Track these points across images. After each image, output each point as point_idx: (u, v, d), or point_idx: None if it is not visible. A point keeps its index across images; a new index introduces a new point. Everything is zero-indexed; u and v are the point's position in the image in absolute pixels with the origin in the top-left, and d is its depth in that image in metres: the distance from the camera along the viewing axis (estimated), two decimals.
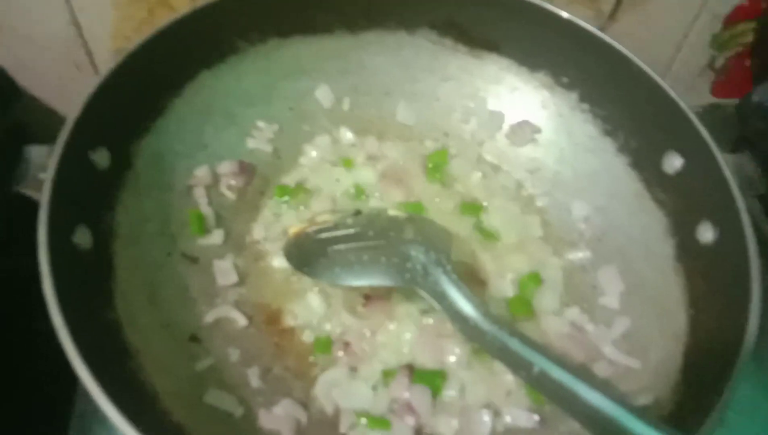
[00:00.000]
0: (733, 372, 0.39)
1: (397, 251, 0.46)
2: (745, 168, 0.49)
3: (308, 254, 0.49)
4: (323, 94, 0.62)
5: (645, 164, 0.55)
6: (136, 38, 0.51)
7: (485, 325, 0.42)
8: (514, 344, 0.40)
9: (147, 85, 0.52)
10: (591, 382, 0.36)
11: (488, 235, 0.57)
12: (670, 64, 0.79)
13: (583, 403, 0.35)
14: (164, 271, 0.50)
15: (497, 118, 0.63)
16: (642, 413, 0.34)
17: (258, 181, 0.58)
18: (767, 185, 0.48)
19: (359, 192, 0.59)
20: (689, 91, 0.81)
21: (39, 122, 0.48)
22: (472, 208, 0.59)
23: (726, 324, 0.42)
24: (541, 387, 0.38)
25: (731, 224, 0.46)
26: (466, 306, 0.43)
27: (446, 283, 0.44)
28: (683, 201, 0.52)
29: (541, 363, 0.38)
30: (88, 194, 0.47)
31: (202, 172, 0.56)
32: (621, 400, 0.35)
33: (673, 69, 0.79)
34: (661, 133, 0.54)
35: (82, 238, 0.45)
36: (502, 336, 0.40)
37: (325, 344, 0.49)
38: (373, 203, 0.58)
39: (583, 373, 0.36)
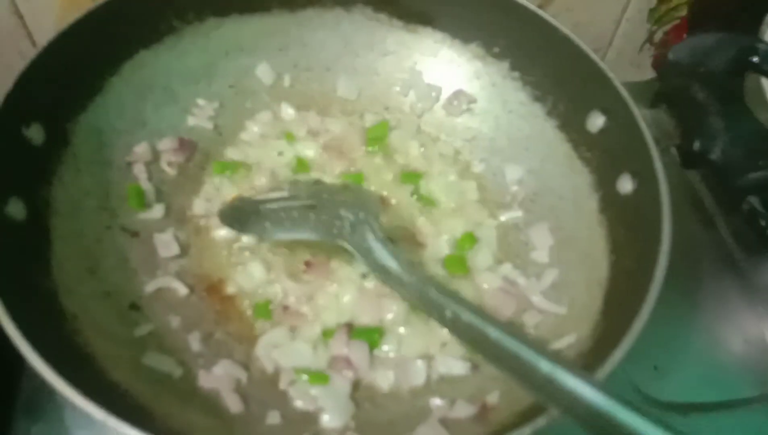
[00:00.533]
0: (642, 308, 0.41)
1: (327, 211, 0.48)
2: (661, 121, 0.52)
3: (241, 213, 0.51)
4: (264, 72, 0.63)
5: (571, 125, 0.57)
6: None
7: (405, 276, 0.44)
8: (430, 291, 0.42)
9: (82, 63, 0.53)
10: (496, 322, 0.38)
11: (427, 201, 0.59)
12: (612, 40, 0.81)
13: (491, 342, 0.37)
14: (104, 244, 0.51)
15: (434, 90, 0.65)
16: (541, 346, 0.35)
17: (199, 156, 0.59)
18: (681, 136, 0.51)
19: (301, 165, 0.60)
20: (633, 66, 0.84)
21: None
22: (411, 176, 0.60)
23: (641, 264, 0.45)
24: (456, 331, 0.40)
25: (647, 174, 0.48)
26: (388, 259, 0.45)
27: (372, 240, 0.46)
28: (606, 157, 0.54)
29: (452, 307, 0.40)
30: (22, 168, 0.47)
31: (141, 149, 0.56)
32: (521, 335, 0.37)
33: (614, 44, 0.82)
34: (585, 95, 0.56)
35: (15, 209, 0.45)
36: (419, 284, 0.43)
37: (263, 309, 0.50)
38: (314, 175, 0.60)
39: (489, 315, 0.38)
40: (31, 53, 0.69)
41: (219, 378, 0.46)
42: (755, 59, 0.53)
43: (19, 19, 0.66)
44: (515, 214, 0.58)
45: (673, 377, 0.55)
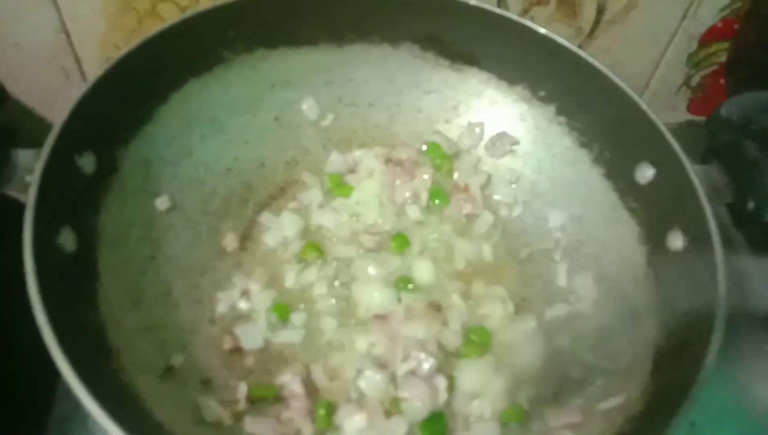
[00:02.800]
0: (699, 375, 0.40)
1: None
2: (713, 178, 0.51)
3: None
4: (309, 106, 0.64)
5: (618, 175, 0.57)
6: (125, 47, 0.52)
7: None
8: None
9: (134, 92, 0.53)
10: None
11: None
12: (648, 82, 0.81)
13: None
14: (148, 276, 0.51)
15: (479, 136, 0.65)
16: None
17: (241, 189, 0.59)
18: (734, 194, 0.50)
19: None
20: (667, 108, 0.84)
21: (27, 129, 0.49)
22: None
23: (694, 328, 0.44)
24: None
25: (699, 231, 0.48)
26: None
27: None
28: (654, 210, 0.53)
29: None
30: (74, 198, 0.47)
31: None
32: None
33: (651, 86, 0.82)
34: (634, 145, 0.55)
35: (67, 240, 0.45)
36: None
37: None
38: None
39: None
40: (74, 71, 0.71)
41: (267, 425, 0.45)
42: None
43: (66, 37, 0.67)
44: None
45: (710, 434, 0.54)
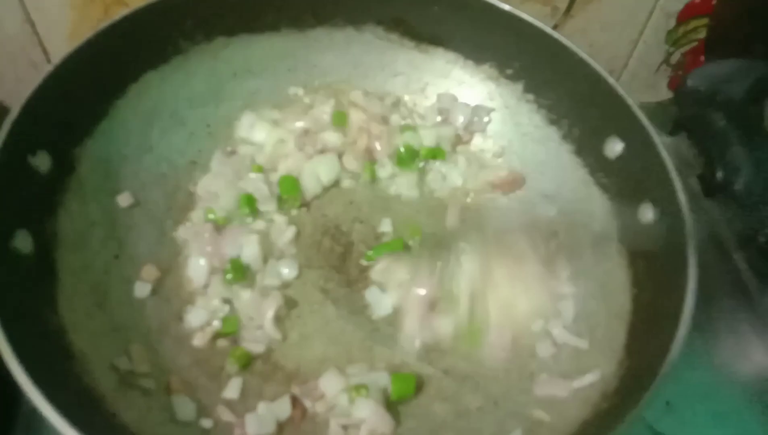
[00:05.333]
0: (672, 346, 0.40)
1: None
2: (682, 150, 0.51)
3: None
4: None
5: (588, 151, 0.57)
6: None
7: None
8: None
9: (89, 87, 0.52)
10: None
11: None
12: (627, 61, 0.80)
13: None
14: (112, 275, 0.50)
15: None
16: None
17: None
18: (703, 165, 0.50)
19: None
20: (648, 87, 0.83)
21: None
22: None
23: (666, 299, 0.44)
24: None
25: (669, 203, 0.47)
26: None
27: None
28: (625, 184, 0.53)
29: None
30: (29, 199, 0.46)
31: None
32: None
33: (630, 66, 0.81)
34: (602, 120, 0.55)
35: (22, 242, 0.44)
36: None
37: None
38: None
39: None
40: (43, 63, 0.68)
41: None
42: None
43: (31, 27, 0.65)
44: None
45: (685, 413, 0.54)
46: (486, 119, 0.62)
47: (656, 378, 0.39)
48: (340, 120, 0.60)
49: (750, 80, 0.52)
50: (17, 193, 0.45)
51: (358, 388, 0.45)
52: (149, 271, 0.50)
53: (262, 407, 0.44)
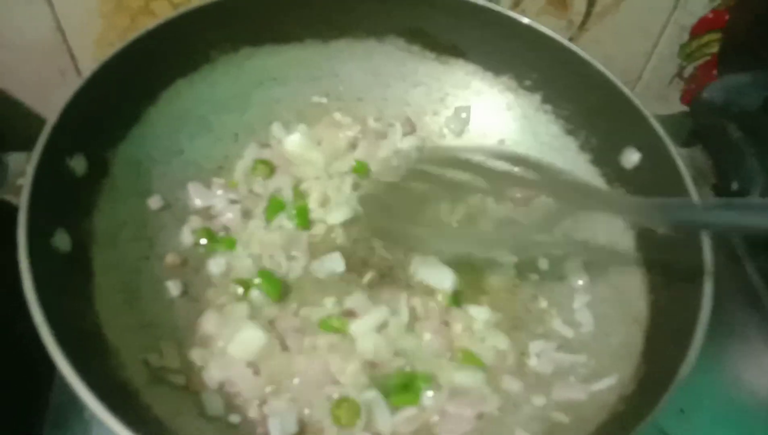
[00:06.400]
0: (689, 352, 0.41)
1: None
2: (698, 160, 0.52)
3: None
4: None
5: (605, 160, 0.58)
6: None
7: None
8: None
9: (123, 93, 0.54)
10: None
11: None
12: (641, 73, 0.81)
13: None
14: (142, 275, 0.51)
15: (465, 121, 0.65)
16: None
17: None
18: (718, 176, 0.51)
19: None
20: (661, 99, 0.84)
21: (24, 127, 0.49)
22: None
23: (682, 307, 0.45)
24: None
25: None
26: None
27: None
28: (641, 194, 0.54)
29: None
30: (66, 200, 0.48)
31: None
32: None
33: (643, 78, 0.82)
34: (619, 130, 0.56)
35: (61, 241, 0.45)
36: None
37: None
38: None
39: None
40: (71, 69, 0.71)
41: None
42: None
43: (61, 35, 0.67)
44: None
45: (699, 420, 0.55)
46: (464, 115, 0.64)
47: (673, 383, 0.40)
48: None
49: (765, 93, 0.53)
50: (57, 194, 0.46)
51: None
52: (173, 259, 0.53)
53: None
